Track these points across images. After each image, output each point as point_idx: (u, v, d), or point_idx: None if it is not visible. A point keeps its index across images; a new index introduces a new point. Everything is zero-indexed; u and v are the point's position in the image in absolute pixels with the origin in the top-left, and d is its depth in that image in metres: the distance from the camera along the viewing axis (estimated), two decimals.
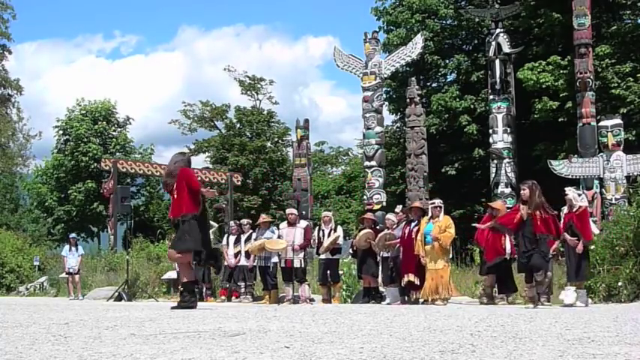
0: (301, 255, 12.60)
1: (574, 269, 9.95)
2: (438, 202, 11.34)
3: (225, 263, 15.23)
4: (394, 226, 12.01)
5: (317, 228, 13.64)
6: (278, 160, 38.03)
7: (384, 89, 24.00)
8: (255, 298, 14.57)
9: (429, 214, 11.19)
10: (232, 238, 15.05)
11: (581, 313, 7.01)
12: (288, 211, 13.51)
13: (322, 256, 12.85)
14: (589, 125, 18.29)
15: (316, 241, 12.94)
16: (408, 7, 25.44)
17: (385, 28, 26.40)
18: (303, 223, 13.21)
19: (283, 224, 13.09)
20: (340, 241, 12.82)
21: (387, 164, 23.45)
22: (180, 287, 8.22)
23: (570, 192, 10.46)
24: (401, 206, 13.21)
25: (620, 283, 10.39)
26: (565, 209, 10.43)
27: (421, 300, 10.99)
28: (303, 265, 12.69)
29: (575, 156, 18.25)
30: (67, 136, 37.06)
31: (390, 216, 12.62)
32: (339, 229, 13.21)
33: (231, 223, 16.16)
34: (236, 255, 14.90)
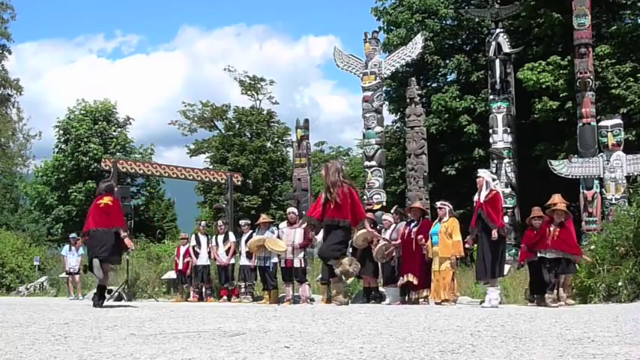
0: (301, 255, 12.58)
1: (486, 265, 9.31)
2: (439, 203, 11.32)
3: (217, 263, 15.26)
4: (391, 227, 12.01)
5: None
6: (278, 160, 38.04)
7: (384, 89, 23.98)
8: (255, 298, 14.57)
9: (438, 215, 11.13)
10: (220, 238, 15.15)
11: (581, 313, 7.01)
12: (289, 210, 13.50)
13: None
14: (589, 125, 18.28)
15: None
16: (408, 7, 25.43)
17: (385, 28, 26.40)
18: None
19: (283, 224, 13.07)
20: None
21: (387, 164, 23.43)
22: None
23: (484, 174, 9.63)
24: (396, 207, 13.20)
25: (620, 283, 10.36)
26: (476, 196, 9.53)
27: (433, 301, 10.90)
28: (303, 265, 12.68)
29: (575, 156, 18.24)
30: (68, 136, 37.08)
31: (387, 216, 12.62)
32: None
33: (219, 222, 16.29)
34: (228, 253, 14.99)
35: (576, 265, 10.68)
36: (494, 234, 9.33)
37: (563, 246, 10.09)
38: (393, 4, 26.55)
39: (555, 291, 10.17)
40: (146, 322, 5.10)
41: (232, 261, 15.19)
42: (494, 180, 9.61)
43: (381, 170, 20.98)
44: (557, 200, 10.46)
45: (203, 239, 15.67)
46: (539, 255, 10.27)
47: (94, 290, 10.25)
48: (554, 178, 18.13)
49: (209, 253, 15.60)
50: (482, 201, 9.43)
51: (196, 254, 15.55)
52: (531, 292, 10.79)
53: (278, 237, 12.87)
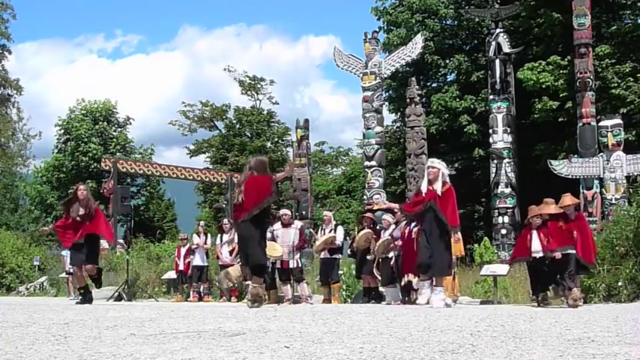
0: (297, 255, 12.53)
1: (436, 261, 8.74)
2: None
3: (220, 263, 15.24)
4: (392, 227, 11.98)
5: (319, 228, 13.61)
6: (278, 160, 38.05)
7: (384, 89, 24.00)
8: None
9: None
10: (225, 236, 15.07)
11: (581, 313, 7.01)
12: (281, 212, 13.38)
13: (322, 256, 12.82)
14: (589, 125, 18.30)
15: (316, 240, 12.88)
16: (408, 7, 25.45)
17: (385, 28, 26.43)
18: (298, 224, 13.11)
19: (277, 225, 12.95)
20: (339, 241, 12.75)
21: (387, 164, 23.44)
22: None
23: (440, 165, 9.08)
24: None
25: (620, 283, 10.35)
26: (424, 186, 8.92)
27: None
28: (299, 265, 12.64)
29: (575, 156, 18.25)
30: (68, 136, 37.09)
31: (387, 216, 12.58)
32: (340, 229, 13.14)
33: (224, 220, 16.23)
34: (232, 253, 14.94)
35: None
36: (456, 236, 8.98)
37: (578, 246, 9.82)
38: (393, 4, 26.58)
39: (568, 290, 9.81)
40: (146, 322, 5.10)
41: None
42: (447, 172, 9.13)
43: (381, 170, 20.99)
44: (568, 201, 10.15)
45: (201, 239, 15.64)
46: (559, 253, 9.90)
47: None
48: (554, 178, 18.14)
49: (206, 253, 15.57)
50: (439, 193, 8.89)
51: (193, 253, 15.51)
52: (533, 292, 10.69)
53: (273, 239, 12.76)
